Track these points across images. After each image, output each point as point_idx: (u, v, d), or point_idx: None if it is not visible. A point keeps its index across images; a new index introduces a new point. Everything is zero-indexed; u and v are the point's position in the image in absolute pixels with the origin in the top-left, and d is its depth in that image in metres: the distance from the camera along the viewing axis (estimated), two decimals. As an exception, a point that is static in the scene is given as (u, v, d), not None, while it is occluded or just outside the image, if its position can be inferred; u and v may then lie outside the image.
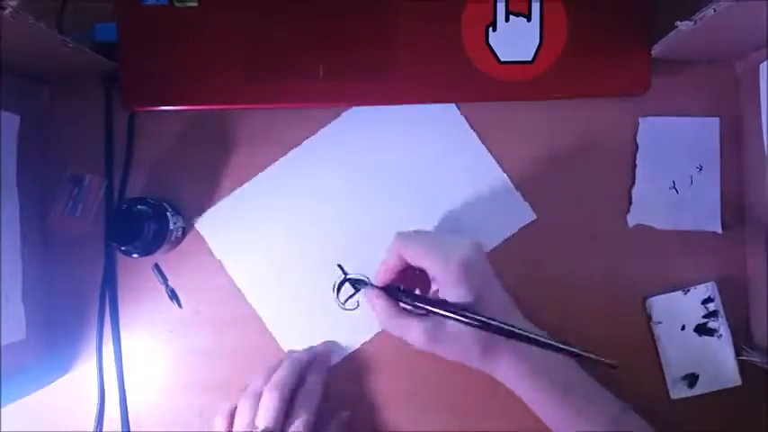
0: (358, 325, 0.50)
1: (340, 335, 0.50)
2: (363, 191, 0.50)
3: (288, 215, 0.50)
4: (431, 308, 0.43)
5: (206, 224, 0.50)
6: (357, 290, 0.49)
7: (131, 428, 0.50)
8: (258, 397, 0.45)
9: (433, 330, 0.42)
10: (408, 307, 0.44)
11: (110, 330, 0.50)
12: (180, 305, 0.50)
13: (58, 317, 0.50)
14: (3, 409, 0.43)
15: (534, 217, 0.50)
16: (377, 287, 0.45)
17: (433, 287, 0.46)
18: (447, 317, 0.42)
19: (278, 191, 0.50)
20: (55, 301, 0.50)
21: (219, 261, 0.50)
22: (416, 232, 0.45)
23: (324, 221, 0.50)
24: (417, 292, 0.47)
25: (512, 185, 0.50)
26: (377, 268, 0.46)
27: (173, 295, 0.50)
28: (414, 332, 0.42)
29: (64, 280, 0.50)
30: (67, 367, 0.50)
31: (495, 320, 0.41)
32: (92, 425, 0.50)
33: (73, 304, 0.50)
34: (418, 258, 0.43)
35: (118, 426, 0.50)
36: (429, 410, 0.50)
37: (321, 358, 0.49)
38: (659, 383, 0.49)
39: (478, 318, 0.41)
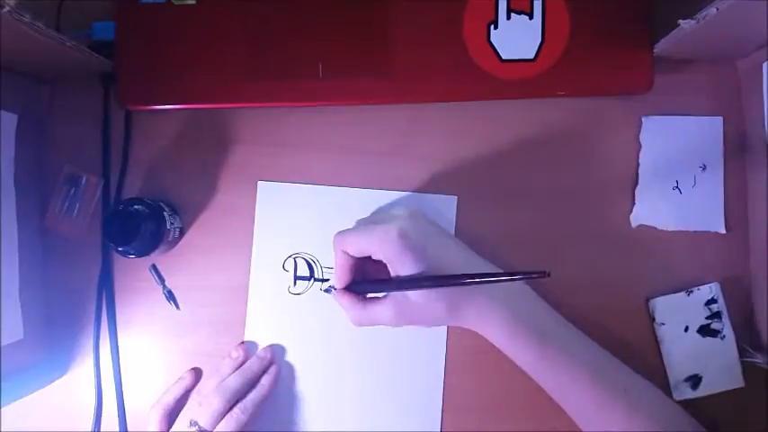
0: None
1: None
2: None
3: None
4: (385, 287, 0.43)
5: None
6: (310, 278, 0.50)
7: (128, 429, 0.50)
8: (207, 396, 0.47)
9: (398, 306, 0.43)
10: (377, 295, 0.45)
11: (107, 331, 0.50)
12: (177, 306, 0.50)
13: (55, 317, 0.50)
14: (2, 410, 0.43)
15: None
16: (339, 289, 0.46)
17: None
18: (401, 290, 0.43)
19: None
20: (52, 301, 0.50)
21: (218, 261, 0.50)
22: (354, 226, 0.46)
23: None
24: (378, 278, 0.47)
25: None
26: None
27: (170, 296, 0.50)
28: (382, 314, 0.43)
29: (61, 280, 0.50)
30: (65, 368, 0.50)
31: (445, 276, 0.41)
32: (89, 425, 0.49)
33: (70, 304, 0.50)
34: (359, 248, 0.43)
35: (115, 426, 0.50)
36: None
37: (272, 376, 0.49)
38: (662, 385, 0.49)
39: (425, 278, 0.41)
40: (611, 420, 0.43)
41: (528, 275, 0.39)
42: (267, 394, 0.48)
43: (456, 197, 0.50)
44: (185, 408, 0.48)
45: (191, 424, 0.45)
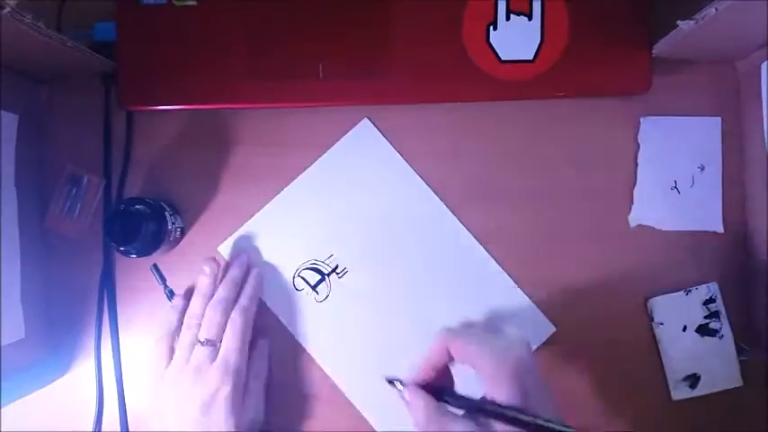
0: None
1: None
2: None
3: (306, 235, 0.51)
4: (484, 412, 0.39)
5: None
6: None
7: (130, 428, 0.50)
8: (200, 316, 0.46)
9: None
10: (452, 409, 0.41)
11: (108, 330, 0.50)
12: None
13: (56, 317, 0.50)
14: (2, 410, 0.43)
15: (553, 329, 0.49)
16: (416, 385, 0.41)
17: (482, 389, 0.41)
18: (498, 419, 0.38)
19: (294, 212, 0.50)
20: (53, 300, 0.50)
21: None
22: (463, 329, 0.43)
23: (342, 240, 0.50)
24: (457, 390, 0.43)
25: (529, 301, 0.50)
26: (416, 364, 0.42)
27: (171, 295, 0.50)
28: None
29: (63, 280, 0.50)
30: (66, 367, 0.50)
31: (551, 422, 0.37)
32: (91, 425, 0.50)
33: (71, 304, 0.50)
34: (469, 356, 0.40)
35: (116, 425, 0.50)
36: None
37: (253, 279, 0.49)
38: (661, 384, 0.49)
39: (536, 421, 0.37)
40: None
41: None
42: (257, 292, 0.48)
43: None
44: (182, 333, 0.46)
45: (202, 343, 0.45)
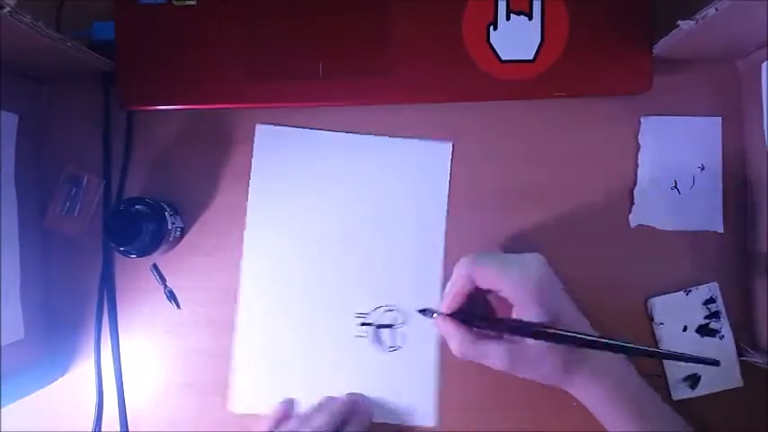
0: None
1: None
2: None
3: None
4: (513, 331, 0.41)
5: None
6: (390, 326, 0.47)
7: (129, 429, 0.50)
8: None
9: (514, 352, 0.41)
10: (485, 331, 0.43)
11: (108, 331, 0.50)
12: (178, 306, 0.50)
13: (56, 317, 0.50)
14: (2, 410, 0.43)
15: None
16: (448, 314, 0.44)
17: (510, 310, 0.44)
18: (530, 337, 0.41)
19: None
20: (53, 301, 0.50)
21: (219, 261, 0.50)
22: (484, 254, 0.44)
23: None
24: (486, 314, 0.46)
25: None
26: (443, 294, 0.44)
27: (171, 296, 0.50)
28: (494, 357, 0.41)
29: (62, 280, 0.50)
30: (66, 367, 0.50)
31: (580, 333, 0.40)
32: (90, 425, 0.50)
33: (71, 304, 0.50)
34: (491, 280, 0.42)
35: (116, 426, 0.50)
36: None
37: (362, 409, 0.47)
38: (661, 384, 0.49)
39: (566, 333, 0.40)
40: None
41: (700, 360, 0.38)
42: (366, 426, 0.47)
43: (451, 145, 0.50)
44: None
45: None
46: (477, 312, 0.44)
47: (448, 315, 0.44)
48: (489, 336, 0.43)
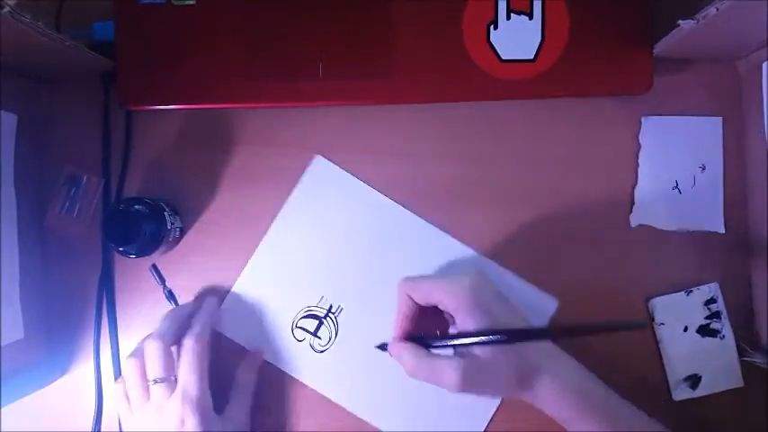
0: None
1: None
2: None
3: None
4: (459, 341, 0.41)
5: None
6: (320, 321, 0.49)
7: (129, 430, 0.50)
8: (141, 353, 0.45)
9: (467, 368, 0.40)
10: (437, 351, 0.43)
11: (107, 331, 0.50)
12: (177, 306, 0.50)
13: (55, 317, 0.50)
14: (2, 410, 0.43)
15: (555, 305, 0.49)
16: (398, 340, 0.44)
17: (451, 328, 0.45)
18: (477, 343, 0.40)
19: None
20: (52, 301, 0.50)
21: (219, 261, 0.50)
22: (418, 276, 0.46)
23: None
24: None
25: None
26: (391, 322, 0.45)
27: (170, 296, 0.50)
28: (447, 373, 0.41)
29: (61, 280, 0.50)
30: (65, 368, 0.50)
31: (528, 327, 0.41)
32: (90, 425, 0.50)
33: (70, 305, 0.50)
34: (428, 295, 0.43)
35: (116, 426, 0.50)
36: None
37: (205, 307, 0.48)
38: (662, 385, 0.49)
39: (510, 330, 0.40)
40: None
41: (627, 326, 0.39)
42: (209, 318, 0.47)
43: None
44: (125, 374, 0.45)
45: (154, 382, 0.43)
46: (427, 334, 0.44)
47: (401, 341, 0.44)
48: (440, 356, 0.42)
